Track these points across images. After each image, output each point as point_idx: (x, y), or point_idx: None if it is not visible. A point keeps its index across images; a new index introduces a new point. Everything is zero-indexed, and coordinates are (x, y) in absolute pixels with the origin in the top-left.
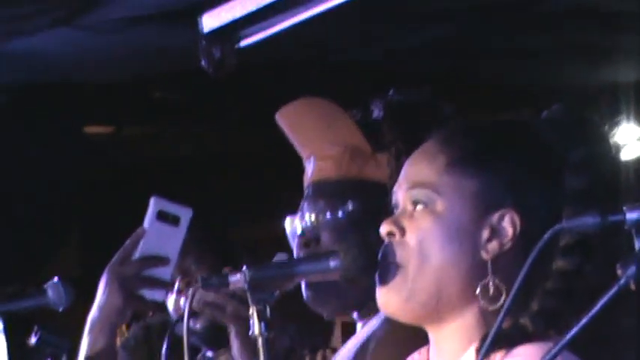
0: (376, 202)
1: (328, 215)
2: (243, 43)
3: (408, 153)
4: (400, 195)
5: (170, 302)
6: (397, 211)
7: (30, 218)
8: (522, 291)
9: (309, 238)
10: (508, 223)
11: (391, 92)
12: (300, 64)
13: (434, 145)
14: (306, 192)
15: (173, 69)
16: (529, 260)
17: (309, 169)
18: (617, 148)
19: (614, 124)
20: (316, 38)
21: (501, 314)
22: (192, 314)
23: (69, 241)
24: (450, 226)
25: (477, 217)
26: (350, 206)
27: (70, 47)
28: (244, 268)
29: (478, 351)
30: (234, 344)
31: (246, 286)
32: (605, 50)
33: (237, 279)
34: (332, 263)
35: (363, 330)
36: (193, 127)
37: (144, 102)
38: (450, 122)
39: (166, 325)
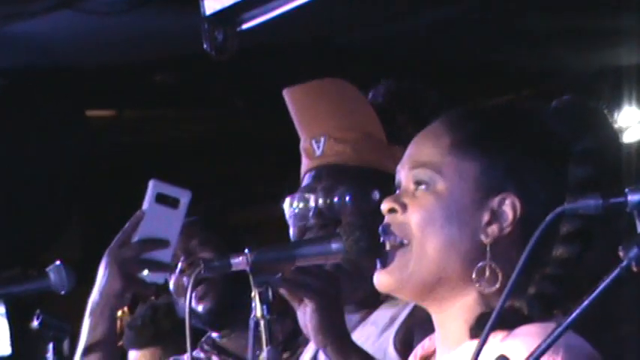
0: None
1: (348, 200)
2: (245, 25)
3: None
4: (403, 174)
5: (172, 283)
6: (399, 191)
7: (31, 202)
8: (521, 275)
9: (327, 219)
10: (508, 207)
11: (394, 80)
12: (301, 47)
13: (439, 127)
14: (314, 172)
15: (174, 52)
16: (532, 241)
17: (318, 148)
18: (620, 134)
19: (616, 107)
20: (318, 21)
21: (503, 296)
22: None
23: (70, 225)
24: (450, 206)
25: (478, 200)
26: (377, 195)
27: (71, 30)
28: (246, 250)
29: (472, 330)
30: (313, 320)
31: (248, 269)
32: (607, 33)
33: (240, 261)
34: (334, 246)
35: (379, 318)
36: (195, 111)
37: (145, 85)
38: (456, 105)
39: (172, 306)
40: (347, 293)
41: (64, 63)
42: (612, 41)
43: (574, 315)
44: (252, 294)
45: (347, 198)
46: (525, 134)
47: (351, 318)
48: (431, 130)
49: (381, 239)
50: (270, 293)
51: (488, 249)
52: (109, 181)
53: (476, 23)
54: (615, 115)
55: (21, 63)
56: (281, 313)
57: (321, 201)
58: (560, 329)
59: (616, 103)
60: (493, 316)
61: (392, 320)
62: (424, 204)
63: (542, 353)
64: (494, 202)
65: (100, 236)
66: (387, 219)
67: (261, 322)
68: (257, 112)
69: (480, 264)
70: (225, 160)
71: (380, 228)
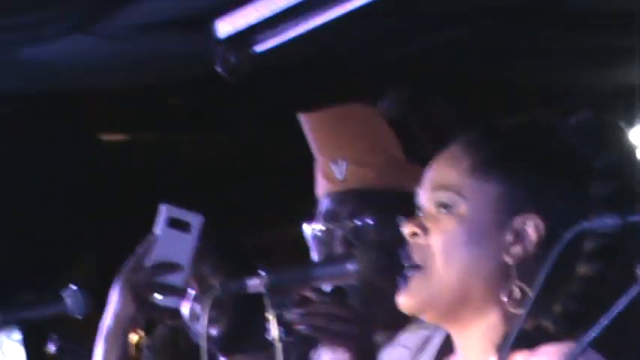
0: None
1: (373, 225)
2: (259, 48)
3: None
4: (423, 197)
5: (185, 309)
6: (420, 213)
7: (45, 227)
8: (544, 293)
9: (353, 245)
10: (531, 228)
11: (406, 90)
12: (316, 69)
13: (458, 148)
14: (337, 196)
15: (188, 75)
16: (550, 260)
17: (339, 171)
18: (636, 152)
19: (629, 125)
20: (332, 43)
21: (523, 314)
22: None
23: (84, 250)
24: (473, 228)
25: (500, 221)
26: (401, 220)
27: (84, 54)
28: (262, 272)
29: (499, 350)
30: None
31: (264, 290)
32: (621, 52)
33: (256, 283)
34: (349, 267)
35: (409, 340)
36: (209, 134)
37: (159, 109)
38: (474, 126)
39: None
40: (376, 316)
41: (77, 87)
42: (626, 60)
43: (591, 334)
44: (269, 316)
45: (372, 222)
46: (545, 153)
47: (376, 339)
48: (450, 152)
49: (401, 262)
50: (286, 315)
51: (513, 270)
52: (123, 204)
53: (489, 42)
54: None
55: (34, 87)
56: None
57: (347, 227)
58: (578, 349)
59: (629, 122)
60: (513, 332)
61: (424, 343)
62: (446, 227)
63: None
64: (517, 222)
65: (114, 261)
66: (409, 242)
67: (278, 345)
68: (270, 135)
69: (510, 285)
70: (239, 183)
71: (402, 252)
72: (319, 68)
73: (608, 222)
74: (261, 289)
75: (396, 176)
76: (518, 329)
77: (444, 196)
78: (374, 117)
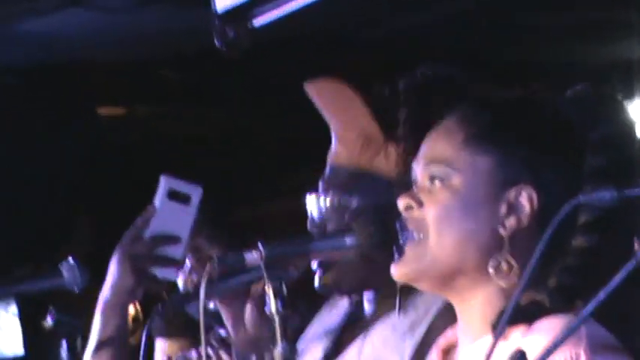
0: (382, 199)
1: (335, 206)
2: (257, 22)
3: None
4: (418, 170)
5: (180, 281)
6: (415, 187)
7: (42, 200)
8: (539, 267)
9: (320, 225)
10: (525, 199)
11: (406, 74)
12: (315, 43)
13: (452, 121)
14: (328, 169)
15: (185, 49)
16: (546, 234)
17: (333, 145)
18: (634, 126)
19: (628, 100)
20: (331, 17)
21: (518, 289)
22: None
23: (81, 222)
24: (466, 201)
25: (494, 193)
26: (355, 203)
27: (81, 28)
28: (260, 245)
29: (493, 326)
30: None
31: (262, 264)
32: (618, 26)
33: (254, 256)
34: (348, 240)
35: (402, 319)
36: (205, 108)
37: (156, 82)
38: (467, 99)
39: None
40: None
41: (74, 60)
42: (623, 34)
43: (590, 307)
44: (266, 288)
45: (334, 204)
46: (539, 125)
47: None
48: (444, 126)
49: (397, 234)
50: (284, 288)
51: (506, 241)
52: (120, 177)
53: (485, 17)
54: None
55: (32, 61)
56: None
57: (319, 203)
58: (576, 322)
59: (627, 97)
60: (508, 309)
61: (412, 327)
62: (440, 199)
63: (557, 346)
64: (511, 194)
65: (111, 232)
66: (404, 215)
67: (276, 317)
68: (268, 109)
69: (495, 258)
70: (235, 156)
71: (397, 224)
72: (319, 42)
73: (605, 196)
74: (259, 262)
75: (367, 155)
76: (511, 306)
77: (438, 169)
78: (347, 93)
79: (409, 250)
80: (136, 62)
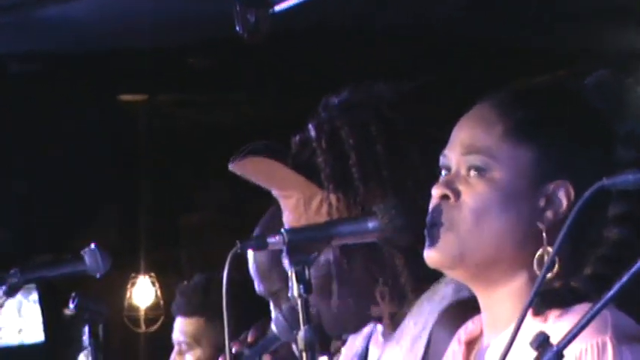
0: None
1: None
2: (278, 7)
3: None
4: (453, 158)
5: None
6: (447, 174)
7: (65, 186)
8: (573, 255)
9: None
10: (563, 194)
11: (327, 106)
12: (334, 29)
13: (489, 110)
14: None
15: (207, 35)
16: (571, 216)
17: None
18: None
19: None
20: (351, 3)
21: (542, 271)
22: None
23: (104, 209)
24: (506, 193)
25: (533, 186)
26: (322, 261)
27: (104, 15)
28: (283, 229)
29: (535, 308)
30: None
31: (284, 248)
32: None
33: (276, 241)
34: (370, 224)
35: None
36: (227, 94)
37: (178, 69)
38: (505, 87)
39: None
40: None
41: (97, 48)
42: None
43: (609, 294)
44: (289, 273)
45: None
46: (574, 118)
47: None
48: (481, 115)
49: (420, 219)
50: (307, 272)
51: (544, 235)
52: (143, 164)
53: (510, 4)
54: None
55: (55, 48)
56: None
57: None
58: (600, 304)
59: None
60: (534, 288)
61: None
62: (479, 191)
63: (582, 329)
64: (550, 188)
65: (135, 220)
66: (438, 203)
67: (299, 301)
68: (290, 95)
69: (540, 250)
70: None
71: (430, 213)
72: (339, 28)
73: (629, 178)
74: (282, 247)
75: (312, 211)
76: (534, 291)
77: (478, 160)
78: (265, 164)
79: (445, 237)
80: (158, 49)
